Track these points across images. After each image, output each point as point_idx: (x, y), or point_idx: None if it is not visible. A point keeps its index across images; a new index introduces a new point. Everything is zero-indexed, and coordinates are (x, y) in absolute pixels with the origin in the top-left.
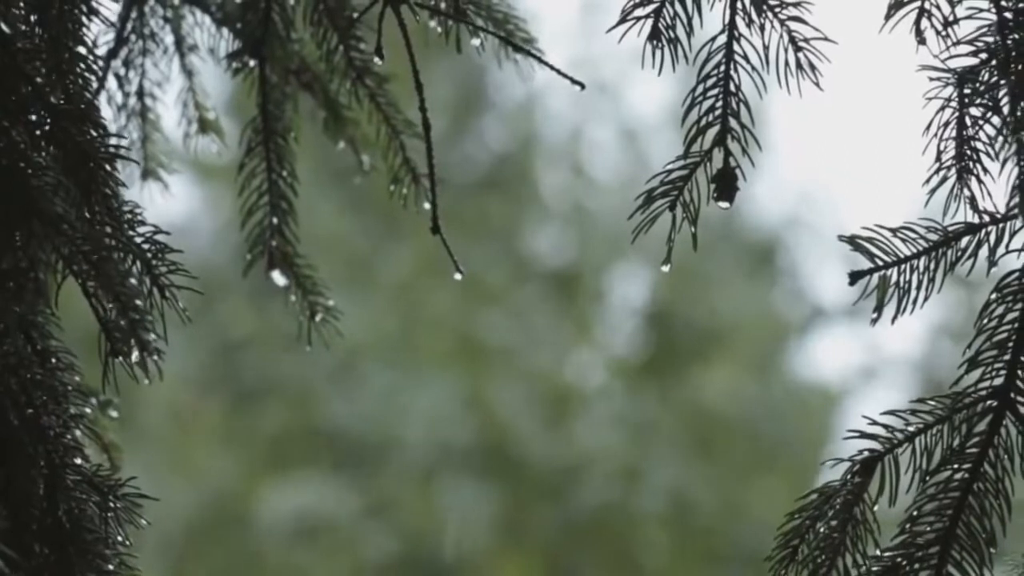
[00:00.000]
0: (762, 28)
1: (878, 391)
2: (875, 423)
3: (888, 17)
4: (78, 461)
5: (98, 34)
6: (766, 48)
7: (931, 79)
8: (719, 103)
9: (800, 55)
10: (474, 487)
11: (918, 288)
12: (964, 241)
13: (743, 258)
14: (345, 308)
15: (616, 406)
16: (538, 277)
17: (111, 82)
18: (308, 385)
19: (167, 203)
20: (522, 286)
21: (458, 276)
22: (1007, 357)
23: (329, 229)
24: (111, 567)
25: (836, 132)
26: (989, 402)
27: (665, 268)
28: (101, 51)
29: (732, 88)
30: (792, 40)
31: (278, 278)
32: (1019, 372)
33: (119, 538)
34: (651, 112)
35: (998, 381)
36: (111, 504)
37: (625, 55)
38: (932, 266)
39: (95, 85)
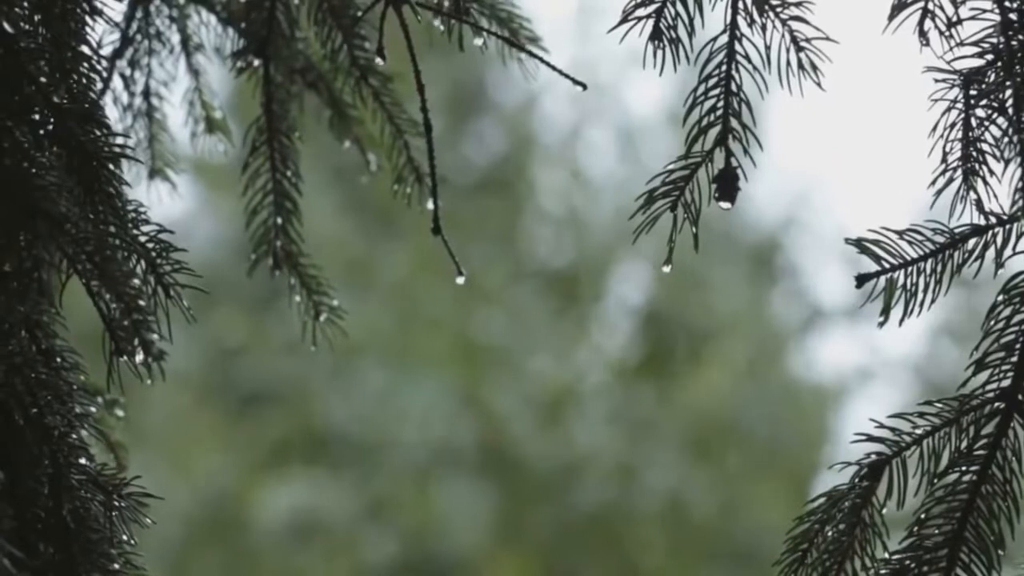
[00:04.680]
0: (764, 28)
1: (876, 392)
2: (882, 426)
3: (891, 18)
4: (83, 460)
5: (103, 34)
6: (768, 48)
7: (936, 80)
8: (720, 103)
9: (802, 55)
10: (471, 487)
11: (925, 291)
12: (971, 243)
13: (741, 259)
14: (343, 308)
15: (613, 406)
16: (535, 277)
17: (117, 82)
18: (305, 385)
19: (165, 204)
20: (519, 286)
21: (460, 280)
22: (1014, 359)
23: (326, 229)
24: (116, 566)
25: (836, 132)
26: (996, 404)
27: (666, 269)
28: (106, 51)
29: (734, 88)
30: (794, 40)
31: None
32: None
33: (124, 537)
34: (648, 114)
35: (1005, 383)
36: (115, 503)
37: (622, 57)
38: (939, 268)
39: (99, 85)
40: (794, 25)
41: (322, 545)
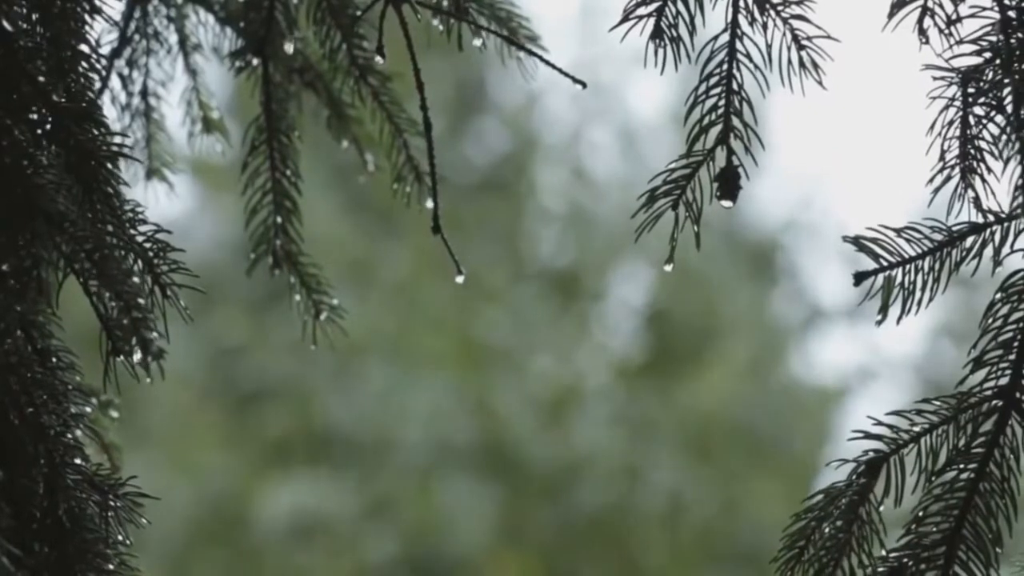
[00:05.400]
0: (765, 26)
1: (877, 392)
2: (880, 423)
3: (891, 16)
4: (78, 460)
5: (101, 33)
6: (769, 46)
7: (935, 78)
8: (722, 102)
9: (803, 53)
10: (473, 487)
11: (923, 289)
12: (969, 241)
13: (742, 259)
14: (343, 307)
15: (615, 406)
16: (537, 277)
17: (115, 82)
18: (307, 385)
19: (163, 204)
20: (521, 286)
21: (460, 279)
22: (1012, 357)
23: (326, 229)
24: (111, 566)
25: (837, 131)
26: (994, 402)
27: (668, 267)
28: (105, 51)
29: (735, 87)
30: (795, 38)
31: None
32: None
33: (119, 537)
34: (650, 114)
35: (1003, 381)
36: (111, 503)
37: (624, 57)
38: (937, 266)
39: (98, 84)
40: (795, 23)
41: (324, 545)
